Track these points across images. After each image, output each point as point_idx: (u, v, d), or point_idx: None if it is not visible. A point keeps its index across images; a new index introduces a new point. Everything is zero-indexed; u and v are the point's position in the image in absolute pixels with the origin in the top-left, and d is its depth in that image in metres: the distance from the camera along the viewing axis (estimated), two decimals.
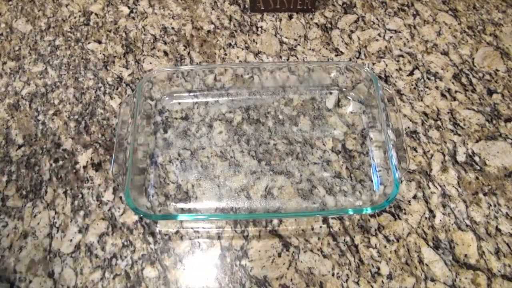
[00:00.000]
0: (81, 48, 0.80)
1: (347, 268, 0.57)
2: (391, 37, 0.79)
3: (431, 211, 0.60)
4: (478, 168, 0.64)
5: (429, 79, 0.73)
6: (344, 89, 0.70)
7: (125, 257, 0.58)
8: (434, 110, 0.70)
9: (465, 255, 0.57)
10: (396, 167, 0.56)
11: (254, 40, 0.80)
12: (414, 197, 0.62)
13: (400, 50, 0.77)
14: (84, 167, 0.66)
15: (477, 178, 0.63)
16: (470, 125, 0.68)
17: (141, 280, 0.57)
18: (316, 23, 0.82)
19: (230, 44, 0.80)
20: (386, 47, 0.78)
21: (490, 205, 0.61)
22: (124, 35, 0.82)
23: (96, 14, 0.85)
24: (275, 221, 0.60)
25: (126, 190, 0.55)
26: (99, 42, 0.81)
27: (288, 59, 0.77)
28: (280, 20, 0.82)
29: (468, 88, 0.72)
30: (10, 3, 0.88)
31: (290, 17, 0.83)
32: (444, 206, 0.61)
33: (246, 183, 0.63)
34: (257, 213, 0.61)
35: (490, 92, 0.71)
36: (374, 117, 0.64)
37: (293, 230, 0.60)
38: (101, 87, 0.75)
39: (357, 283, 0.56)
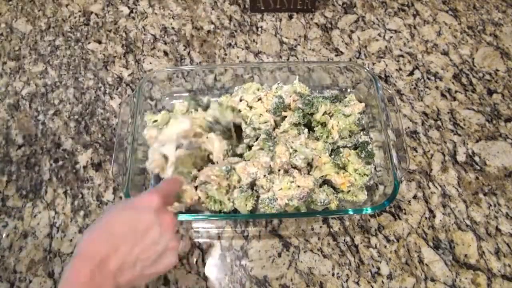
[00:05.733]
0: (81, 48, 0.80)
1: (347, 268, 0.57)
2: (391, 37, 0.79)
3: (431, 211, 0.60)
4: (478, 168, 0.64)
5: (429, 79, 0.73)
6: (344, 89, 0.70)
7: None
8: (434, 110, 0.70)
9: (465, 255, 0.57)
10: (396, 167, 0.55)
11: (254, 40, 0.80)
12: (414, 197, 0.62)
13: (400, 50, 0.77)
14: (84, 167, 0.66)
15: (477, 178, 0.63)
16: (470, 125, 0.68)
17: None
18: (316, 23, 0.82)
19: (230, 44, 0.80)
20: (386, 47, 0.78)
21: (490, 205, 0.61)
22: (124, 35, 0.82)
23: (96, 14, 0.85)
24: (275, 221, 0.60)
25: (126, 190, 0.55)
26: (99, 42, 0.81)
27: (288, 59, 0.77)
28: (280, 20, 0.82)
29: (468, 88, 0.72)
30: (10, 3, 0.88)
31: (290, 17, 0.83)
32: (444, 206, 0.61)
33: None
34: (257, 213, 0.61)
35: (490, 92, 0.71)
36: (374, 117, 0.64)
37: (293, 230, 0.60)
38: (101, 87, 0.75)
39: (357, 283, 0.56)
